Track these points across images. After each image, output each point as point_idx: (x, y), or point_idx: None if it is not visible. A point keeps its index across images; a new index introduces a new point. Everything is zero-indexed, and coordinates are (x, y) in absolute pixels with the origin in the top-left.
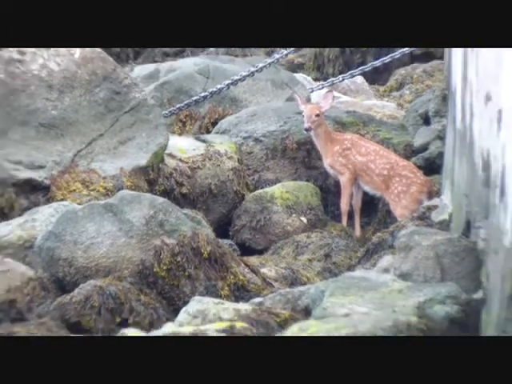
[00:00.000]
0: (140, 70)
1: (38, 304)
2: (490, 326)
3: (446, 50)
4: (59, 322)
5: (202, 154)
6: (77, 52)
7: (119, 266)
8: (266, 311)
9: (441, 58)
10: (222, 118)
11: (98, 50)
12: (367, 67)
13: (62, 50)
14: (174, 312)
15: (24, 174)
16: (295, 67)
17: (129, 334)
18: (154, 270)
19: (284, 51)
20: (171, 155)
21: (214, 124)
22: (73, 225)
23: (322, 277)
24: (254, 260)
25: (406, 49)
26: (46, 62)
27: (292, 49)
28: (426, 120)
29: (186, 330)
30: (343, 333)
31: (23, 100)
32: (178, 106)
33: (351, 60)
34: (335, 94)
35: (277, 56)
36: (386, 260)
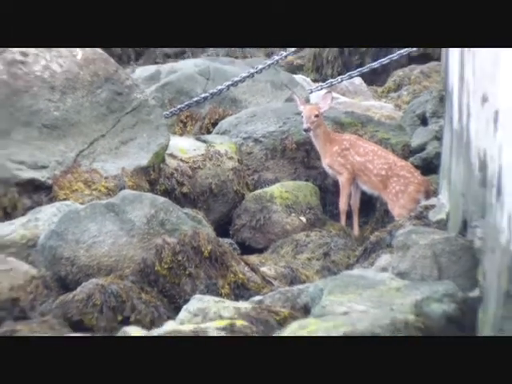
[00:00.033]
0: (141, 71)
1: (40, 302)
2: (487, 324)
3: (443, 51)
4: (62, 320)
5: (202, 154)
6: (79, 53)
7: (121, 264)
8: (265, 309)
9: (438, 59)
10: (222, 119)
11: (100, 51)
12: (365, 68)
13: (65, 52)
14: (175, 310)
15: (27, 173)
16: (294, 68)
17: (129, 334)
18: (156, 268)
19: (283, 53)
20: (172, 155)
21: (215, 124)
22: (75, 224)
23: (320, 275)
24: (253, 259)
25: (404, 50)
26: (49, 63)
27: (291, 50)
28: (424, 121)
29: (187, 328)
30: (342, 331)
31: (26, 101)
32: (178, 106)
33: (350, 61)
34: (334, 94)
35: (276, 57)
36: (384, 259)
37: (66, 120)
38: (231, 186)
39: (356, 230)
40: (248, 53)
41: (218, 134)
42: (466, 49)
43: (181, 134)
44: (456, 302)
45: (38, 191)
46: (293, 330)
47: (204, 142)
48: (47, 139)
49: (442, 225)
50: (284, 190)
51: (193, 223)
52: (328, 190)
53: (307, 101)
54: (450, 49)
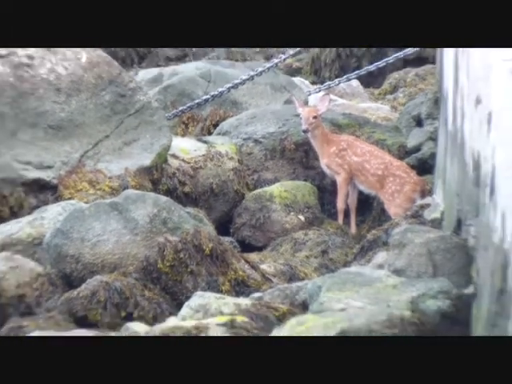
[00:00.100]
0: (144, 73)
1: (46, 299)
2: (481, 319)
3: (438, 54)
4: (67, 316)
5: (203, 155)
6: (83, 56)
7: (124, 262)
8: (265, 306)
9: (433, 62)
10: (223, 120)
11: (104, 54)
12: (362, 71)
13: (70, 55)
14: (177, 306)
15: (33, 173)
16: (293, 71)
17: (132, 330)
18: (158, 266)
19: (282, 56)
20: (174, 156)
21: (216, 126)
22: (80, 223)
23: (319, 272)
24: (253, 256)
25: (400, 53)
26: (54, 66)
27: (290, 54)
28: (419, 122)
29: (189, 324)
30: (339, 326)
31: (32, 103)
32: (180, 108)
33: (347, 64)
34: (332, 97)
35: (275, 60)
36: (381, 256)
37: (71, 121)
38: (232, 185)
39: (353, 229)
40: (248, 56)
41: (218, 135)
42: (460, 52)
43: (183, 135)
44: (450, 299)
45: (44, 191)
46: (291, 325)
47: (205, 142)
48: (53, 140)
49: (436, 223)
50: (283, 189)
51: (194, 222)
52: (326, 190)
53: (306, 103)
54: (445, 52)
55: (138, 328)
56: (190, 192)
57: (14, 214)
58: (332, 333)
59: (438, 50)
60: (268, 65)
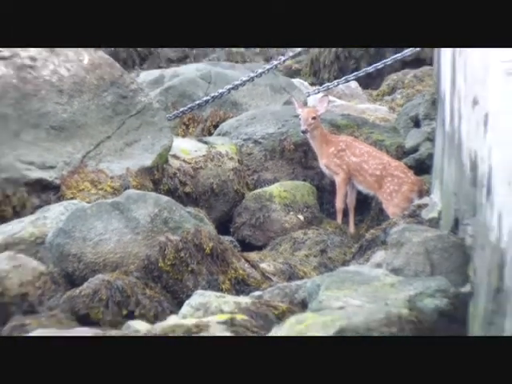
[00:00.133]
0: (145, 75)
1: (48, 297)
2: (477, 317)
3: (436, 56)
4: (69, 314)
5: (204, 155)
6: (86, 58)
7: (126, 261)
8: (264, 304)
9: (430, 64)
10: (223, 121)
11: (106, 56)
12: (361, 73)
13: (72, 57)
14: (177, 305)
15: (35, 174)
16: (292, 73)
17: (133, 328)
18: (159, 265)
19: (282, 58)
20: (175, 156)
21: (216, 127)
22: (82, 222)
23: (317, 271)
24: (253, 255)
25: (398, 55)
26: (57, 67)
27: (290, 55)
28: (417, 123)
29: (189, 322)
30: (338, 324)
31: (35, 104)
32: (181, 109)
33: (346, 66)
34: (330, 98)
35: (275, 62)
36: (379, 255)
37: (73, 122)
38: (232, 185)
39: (352, 228)
40: (248, 58)
41: (219, 135)
42: (458, 54)
43: (183, 136)
44: (448, 297)
45: (46, 191)
46: (291, 323)
47: (206, 143)
48: (55, 141)
49: (434, 223)
50: (282, 189)
51: (195, 221)
52: (325, 190)
53: (305, 104)
54: (442, 54)
55: (139, 326)
56: (191, 192)
57: (17, 213)
58: (331, 331)
59: (436, 51)
60: (268, 66)
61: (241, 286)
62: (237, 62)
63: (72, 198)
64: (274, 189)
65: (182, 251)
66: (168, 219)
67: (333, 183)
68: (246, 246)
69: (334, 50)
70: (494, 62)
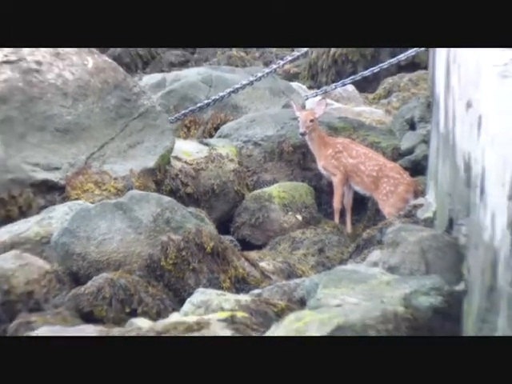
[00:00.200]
0: (148, 79)
1: (54, 295)
2: (471, 315)
3: (430, 60)
4: (73, 312)
5: (205, 157)
6: (90, 62)
7: (129, 260)
8: (264, 302)
9: (425, 67)
10: (223, 124)
11: (110, 60)
12: (357, 76)
13: (76, 61)
14: (179, 303)
15: (41, 175)
16: (291, 76)
17: (136, 325)
18: (161, 263)
19: (281, 62)
20: (177, 158)
21: (217, 129)
22: (86, 222)
23: (316, 270)
24: (253, 254)
25: (394, 59)
26: (62, 71)
27: (288, 59)
28: (412, 125)
29: (191, 320)
30: (335, 322)
31: (40, 107)
32: (183, 112)
33: (343, 70)
34: (328, 101)
35: (274, 66)
36: (375, 254)
37: (78, 125)
38: (232, 186)
39: (349, 228)
40: (247, 61)
41: (219, 137)
42: (452, 58)
43: (185, 138)
44: (442, 295)
45: (52, 191)
46: (290, 321)
47: (207, 145)
48: (60, 143)
49: (429, 223)
50: (281, 190)
51: (196, 221)
52: (323, 190)
53: (303, 107)
54: (437, 58)
55: (141, 323)
56: (192, 192)
57: (23, 213)
58: (328, 328)
59: (431, 56)
60: (267, 70)
61: (241, 285)
62: (237, 66)
63: (76, 199)
64: (273, 189)
65: (183, 250)
66: (170, 219)
67: (330, 184)
68: (246, 245)
69: (331, 54)
70: (487, 65)
